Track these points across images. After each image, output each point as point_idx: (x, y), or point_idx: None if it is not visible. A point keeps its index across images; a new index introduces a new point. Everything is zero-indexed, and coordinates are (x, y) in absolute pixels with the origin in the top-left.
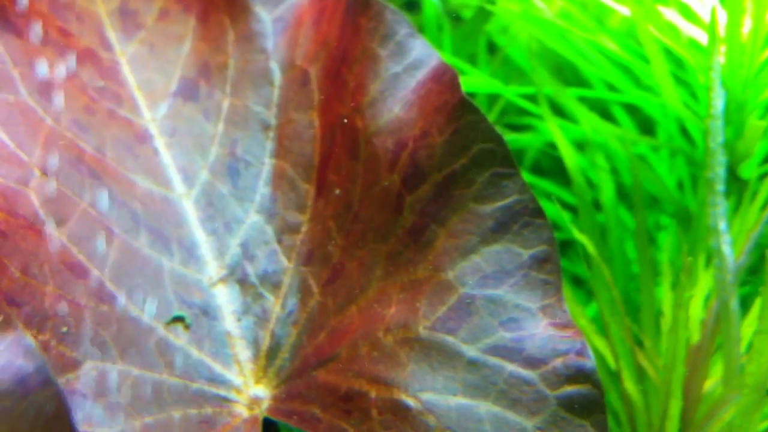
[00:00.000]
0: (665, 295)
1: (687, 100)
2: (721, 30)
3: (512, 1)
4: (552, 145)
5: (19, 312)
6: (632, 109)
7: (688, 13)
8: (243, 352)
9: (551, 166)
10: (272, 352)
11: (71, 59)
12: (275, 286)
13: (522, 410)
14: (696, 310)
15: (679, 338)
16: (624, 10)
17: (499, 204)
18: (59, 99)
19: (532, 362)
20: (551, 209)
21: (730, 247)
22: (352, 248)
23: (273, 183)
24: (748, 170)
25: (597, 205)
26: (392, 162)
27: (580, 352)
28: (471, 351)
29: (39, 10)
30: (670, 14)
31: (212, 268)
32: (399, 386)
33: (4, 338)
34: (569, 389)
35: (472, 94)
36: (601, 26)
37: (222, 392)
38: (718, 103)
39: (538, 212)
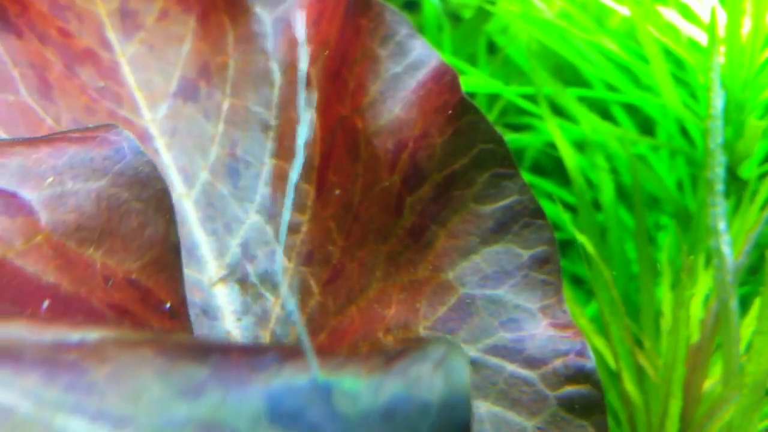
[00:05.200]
0: (665, 295)
1: (687, 100)
2: (721, 30)
3: (512, 1)
4: (552, 145)
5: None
6: (632, 110)
7: (687, 14)
8: None
9: (551, 165)
10: None
11: (71, 60)
12: (275, 286)
13: (522, 410)
14: (695, 310)
15: (679, 338)
16: (624, 11)
17: (499, 204)
18: (59, 99)
19: (532, 362)
20: (551, 209)
21: (730, 247)
22: (353, 249)
23: (273, 183)
24: (748, 170)
25: (597, 205)
26: (392, 162)
27: (581, 353)
28: (471, 351)
29: (39, 11)
30: (669, 15)
31: (212, 268)
32: None
33: (104, 130)
34: (569, 389)
35: (472, 94)
36: (601, 27)
37: None
38: (718, 103)
39: (538, 212)
